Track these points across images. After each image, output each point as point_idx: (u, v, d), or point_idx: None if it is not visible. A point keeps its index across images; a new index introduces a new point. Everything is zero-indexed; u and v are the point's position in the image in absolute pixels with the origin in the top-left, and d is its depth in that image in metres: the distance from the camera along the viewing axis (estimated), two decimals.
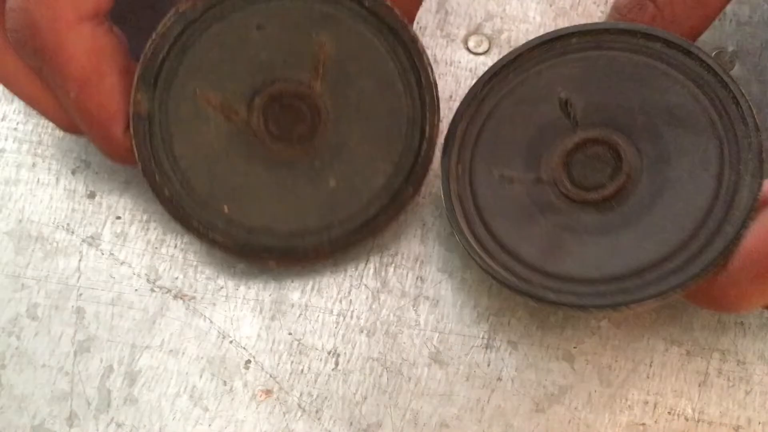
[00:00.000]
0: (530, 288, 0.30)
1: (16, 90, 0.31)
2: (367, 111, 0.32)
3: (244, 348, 0.33)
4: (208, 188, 0.32)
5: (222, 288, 0.34)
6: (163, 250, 0.34)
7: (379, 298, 0.34)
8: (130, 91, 0.30)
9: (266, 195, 0.32)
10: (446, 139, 0.32)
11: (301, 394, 0.33)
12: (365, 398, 0.33)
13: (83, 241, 0.35)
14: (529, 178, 0.31)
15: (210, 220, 0.32)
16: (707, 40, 0.36)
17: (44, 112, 0.32)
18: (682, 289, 0.28)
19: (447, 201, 0.31)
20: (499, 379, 0.33)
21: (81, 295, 0.34)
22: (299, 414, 0.33)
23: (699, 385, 0.33)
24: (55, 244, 0.34)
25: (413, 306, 0.34)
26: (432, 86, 0.32)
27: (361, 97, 0.32)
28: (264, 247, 0.32)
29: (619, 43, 0.30)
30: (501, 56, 0.32)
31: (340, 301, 0.34)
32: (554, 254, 0.30)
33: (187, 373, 0.33)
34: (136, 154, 0.31)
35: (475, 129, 0.32)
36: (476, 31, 0.37)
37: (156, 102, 0.31)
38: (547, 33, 0.31)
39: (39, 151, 0.36)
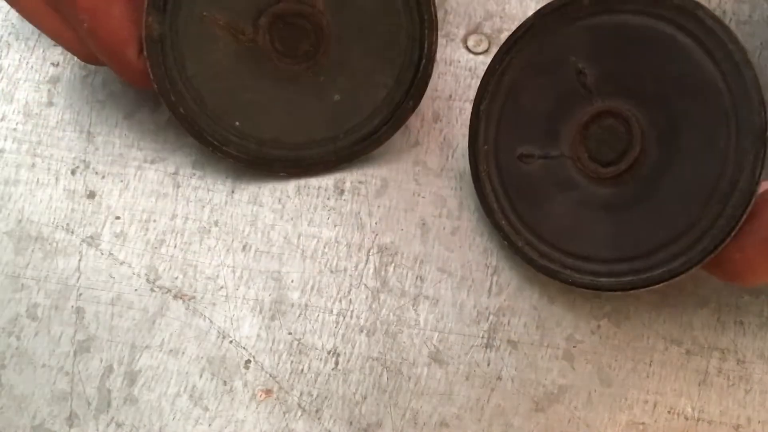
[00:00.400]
0: (552, 265, 0.31)
1: (40, 26, 0.33)
2: (368, 28, 0.33)
3: (244, 348, 0.33)
4: (220, 104, 0.33)
5: (222, 288, 0.34)
6: (163, 250, 0.34)
7: (379, 298, 0.34)
8: (140, 16, 0.31)
9: (275, 109, 0.34)
10: (471, 121, 0.33)
11: (301, 394, 0.33)
12: (365, 398, 0.33)
13: (83, 241, 0.35)
14: (548, 155, 0.32)
15: (223, 134, 0.34)
16: None
17: (66, 45, 0.33)
18: (690, 270, 0.28)
19: (476, 182, 0.33)
20: (499, 378, 0.33)
21: (81, 295, 0.34)
22: (299, 414, 0.33)
23: (699, 384, 0.33)
24: (54, 244, 0.34)
25: (413, 306, 0.34)
26: (430, 4, 0.32)
27: (361, 15, 0.33)
28: (274, 158, 0.34)
29: (630, 4, 0.30)
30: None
31: (340, 301, 0.34)
32: (571, 232, 0.31)
33: (187, 373, 0.33)
34: (151, 76, 0.32)
35: (497, 106, 0.33)
36: (476, 30, 0.37)
37: (167, 24, 0.32)
38: None
39: (39, 151, 0.36)
